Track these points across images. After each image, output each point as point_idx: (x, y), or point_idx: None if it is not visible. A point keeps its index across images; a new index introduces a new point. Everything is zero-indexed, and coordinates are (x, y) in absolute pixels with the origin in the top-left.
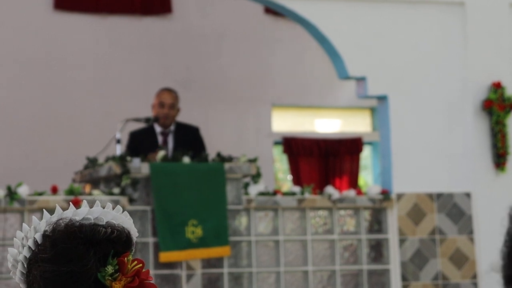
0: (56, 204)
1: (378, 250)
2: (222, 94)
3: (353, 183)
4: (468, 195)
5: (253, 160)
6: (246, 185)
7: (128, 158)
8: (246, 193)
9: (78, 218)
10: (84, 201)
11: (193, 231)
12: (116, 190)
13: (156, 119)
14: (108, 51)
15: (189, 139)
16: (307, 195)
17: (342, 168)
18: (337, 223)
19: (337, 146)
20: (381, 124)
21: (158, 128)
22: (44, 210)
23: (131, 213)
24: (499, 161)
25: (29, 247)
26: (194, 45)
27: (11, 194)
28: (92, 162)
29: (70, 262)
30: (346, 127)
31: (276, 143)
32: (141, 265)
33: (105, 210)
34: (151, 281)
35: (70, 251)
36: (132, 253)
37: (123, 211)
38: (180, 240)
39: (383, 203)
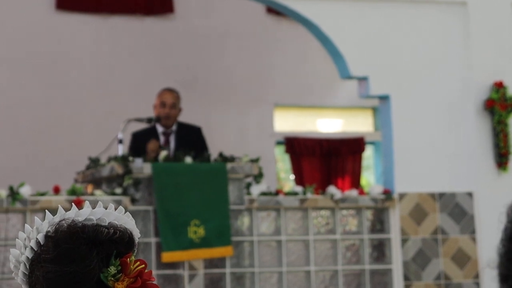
0: (59, 205)
1: (380, 250)
2: (224, 94)
3: (355, 183)
4: (470, 194)
5: (255, 160)
6: (248, 185)
7: (130, 158)
8: (248, 193)
9: (80, 218)
10: (87, 201)
11: (195, 231)
12: (118, 190)
13: (158, 119)
14: (110, 51)
15: (191, 139)
16: (309, 195)
17: (344, 168)
18: (339, 223)
19: (339, 146)
20: (383, 124)
21: (160, 128)
22: (46, 210)
23: (133, 213)
24: (501, 161)
25: (32, 248)
26: (196, 45)
27: (13, 194)
28: (94, 162)
29: (73, 263)
30: (348, 127)
31: (278, 143)
32: (143, 265)
33: (108, 211)
34: (153, 282)
35: (73, 251)
36: (135, 254)
37: (125, 212)
38: (183, 240)
39: (385, 203)
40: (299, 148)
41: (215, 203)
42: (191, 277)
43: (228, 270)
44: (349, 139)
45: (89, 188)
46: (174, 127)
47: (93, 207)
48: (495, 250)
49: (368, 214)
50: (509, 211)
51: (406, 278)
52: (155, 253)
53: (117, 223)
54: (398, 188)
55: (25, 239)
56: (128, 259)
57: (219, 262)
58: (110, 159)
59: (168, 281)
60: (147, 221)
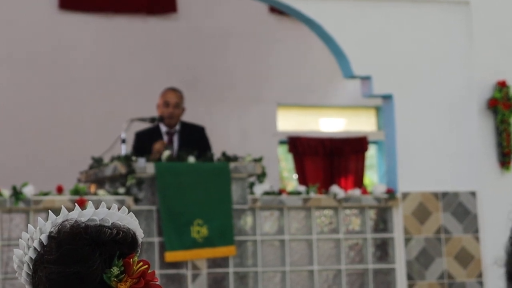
0: (62, 205)
1: (383, 249)
2: (227, 94)
3: (359, 182)
4: (473, 194)
5: (258, 160)
6: (251, 185)
7: (133, 158)
8: (251, 193)
9: (83, 219)
10: (90, 202)
11: (199, 230)
12: (121, 190)
13: (161, 119)
14: (113, 50)
15: (194, 138)
16: (312, 195)
17: (347, 167)
18: (342, 223)
19: (342, 145)
20: (386, 123)
21: (163, 128)
22: (49, 211)
23: (136, 213)
24: (504, 160)
25: (35, 248)
26: (199, 45)
27: (17, 194)
28: (97, 162)
29: (76, 264)
30: (351, 126)
31: (281, 142)
32: (146, 266)
33: (111, 211)
34: (156, 282)
35: (76, 252)
36: (138, 254)
37: (128, 212)
38: (186, 240)
39: (389, 202)
40: (302, 148)
41: (218, 202)
42: (194, 277)
43: (231, 269)
44: (352, 139)
45: (92, 188)
46: (177, 127)
47: (96, 207)
48: (499, 249)
49: (371, 214)
50: None
51: (410, 277)
52: (158, 252)
53: (120, 223)
54: (401, 187)
55: (28, 239)
56: (131, 259)
57: (222, 262)
58: (113, 159)
59: (171, 280)
60: (150, 221)
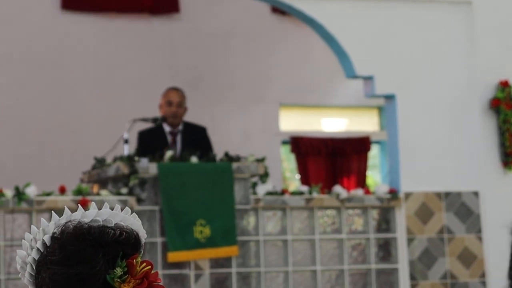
0: (65, 206)
1: (386, 249)
2: (229, 94)
3: (361, 182)
4: (476, 194)
5: (260, 160)
6: (254, 185)
7: (136, 158)
8: (254, 193)
9: (86, 220)
10: (93, 203)
11: (201, 231)
12: (124, 190)
13: (164, 119)
14: (116, 51)
15: (197, 139)
16: (315, 195)
17: (350, 167)
18: (345, 223)
19: (344, 145)
20: (388, 123)
21: (167, 128)
22: (52, 212)
23: (139, 213)
24: (506, 160)
25: (38, 249)
26: (201, 45)
27: (19, 194)
28: (100, 162)
29: (79, 264)
30: (353, 126)
31: (284, 142)
32: (150, 267)
33: (114, 212)
34: (159, 283)
35: (79, 253)
36: (141, 255)
37: (131, 212)
38: (188, 240)
39: (391, 202)
40: (305, 148)
41: (221, 202)
42: (197, 277)
43: (234, 269)
44: (355, 139)
45: (95, 188)
46: (180, 127)
47: (99, 208)
48: (503, 251)
49: (374, 214)
50: None
51: (412, 277)
52: (161, 253)
53: (123, 224)
54: (404, 187)
55: (31, 240)
56: (134, 260)
57: (225, 262)
58: (116, 159)
59: (174, 281)
60: (153, 221)
